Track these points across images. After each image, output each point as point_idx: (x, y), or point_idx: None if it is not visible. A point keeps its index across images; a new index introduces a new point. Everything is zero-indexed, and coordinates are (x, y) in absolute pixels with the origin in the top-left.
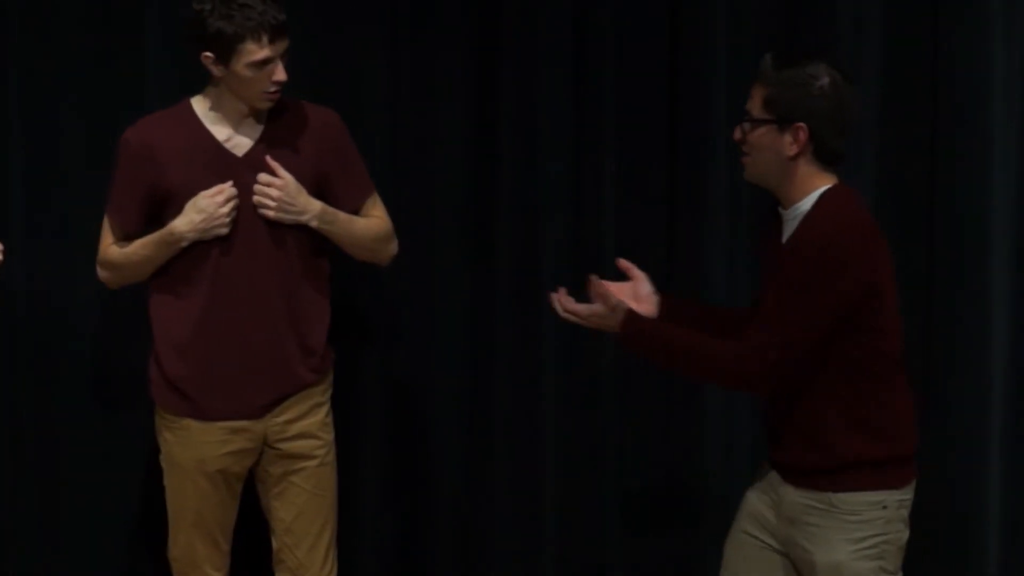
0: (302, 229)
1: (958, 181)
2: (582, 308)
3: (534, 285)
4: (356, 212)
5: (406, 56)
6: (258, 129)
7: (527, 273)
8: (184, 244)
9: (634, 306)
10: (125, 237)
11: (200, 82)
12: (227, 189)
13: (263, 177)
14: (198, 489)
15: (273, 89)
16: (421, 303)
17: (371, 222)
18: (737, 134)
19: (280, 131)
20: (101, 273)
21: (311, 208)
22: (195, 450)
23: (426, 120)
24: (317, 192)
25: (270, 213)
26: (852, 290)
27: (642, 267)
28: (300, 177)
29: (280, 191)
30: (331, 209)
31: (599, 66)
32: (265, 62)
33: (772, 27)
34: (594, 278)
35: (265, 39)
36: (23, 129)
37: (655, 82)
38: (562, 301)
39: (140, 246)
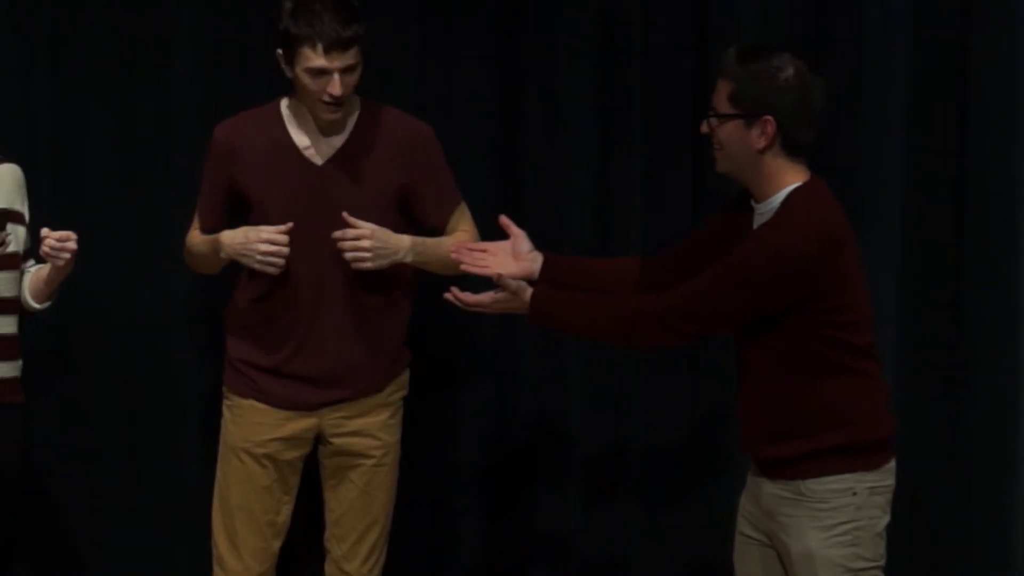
0: None
1: (987, 180)
2: (484, 297)
3: None
4: (443, 224)
5: (431, 56)
6: (341, 138)
7: None
8: (223, 256)
9: (512, 265)
10: (208, 230)
11: (225, 84)
12: (277, 236)
13: (350, 233)
14: (245, 468)
15: (328, 100)
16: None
17: (460, 237)
18: (704, 128)
19: (363, 141)
20: (185, 260)
21: (403, 245)
22: (246, 429)
23: (451, 119)
24: (400, 204)
25: (368, 265)
26: (788, 296)
27: None
28: (380, 189)
29: (370, 240)
30: (420, 239)
31: (626, 65)
32: (321, 72)
33: (800, 26)
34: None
35: (320, 48)
36: (51, 127)
37: (682, 80)
38: (460, 297)
39: (201, 241)
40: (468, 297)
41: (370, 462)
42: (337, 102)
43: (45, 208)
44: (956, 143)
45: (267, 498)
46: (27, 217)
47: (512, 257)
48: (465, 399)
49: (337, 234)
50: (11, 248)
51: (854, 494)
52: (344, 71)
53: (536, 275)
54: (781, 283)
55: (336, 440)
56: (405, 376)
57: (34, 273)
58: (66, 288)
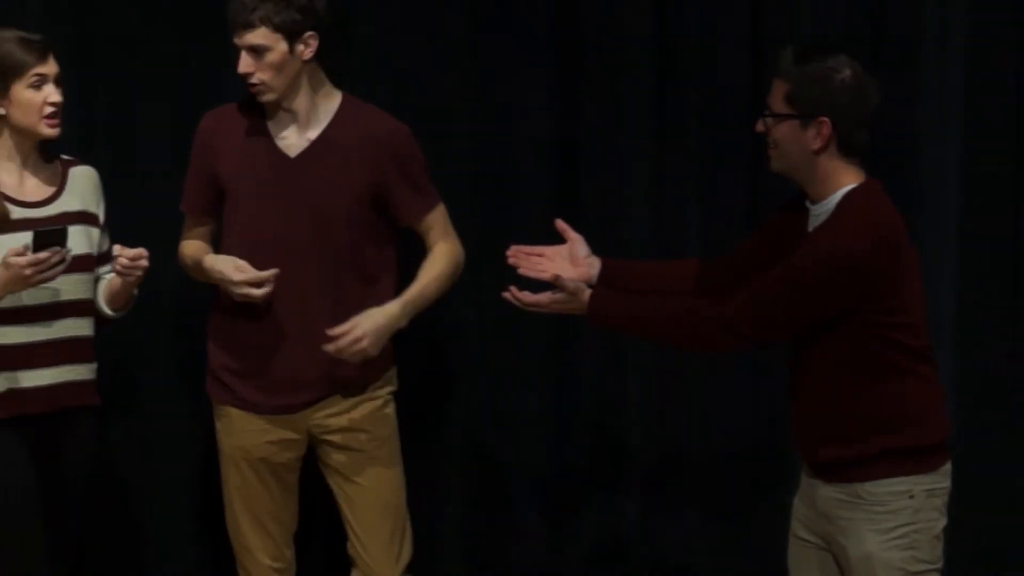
0: (350, 233)
1: None
2: (543, 297)
3: None
4: (416, 225)
5: (488, 57)
6: (316, 131)
7: None
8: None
9: (570, 269)
10: (194, 224)
11: None
12: (254, 275)
13: (343, 342)
14: (242, 476)
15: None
16: (503, 310)
17: (441, 267)
18: (760, 127)
19: (339, 137)
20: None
21: (394, 316)
22: (236, 438)
23: (508, 118)
24: (374, 202)
25: (375, 352)
26: (848, 297)
27: None
28: (351, 184)
29: (368, 339)
30: (407, 299)
31: (682, 71)
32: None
33: (856, 28)
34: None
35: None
36: (107, 125)
37: (738, 81)
38: (519, 296)
39: (190, 258)
40: (527, 297)
41: (362, 456)
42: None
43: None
44: (1014, 144)
45: (267, 501)
46: (102, 219)
47: (570, 262)
48: (523, 404)
49: (330, 348)
50: (83, 250)
51: (912, 497)
52: (250, 50)
53: (594, 280)
54: (839, 285)
55: (326, 438)
56: (392, 372)
57: (109, 281)
58: None
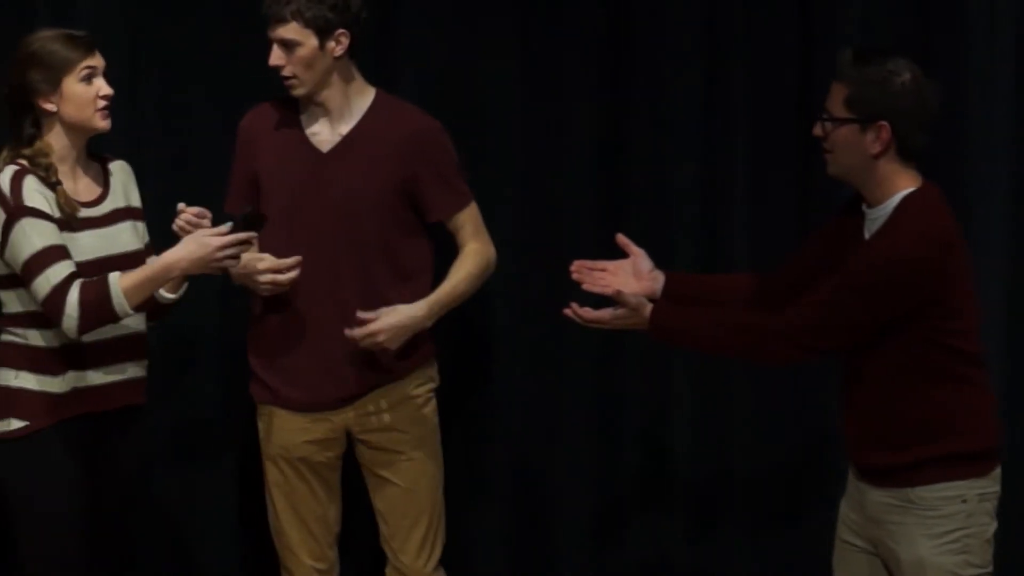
0: (381, 229)
1: None
2: (604, 314)
3: None
4: (447, 221)
5: (536, 55)
6: (348, 126)
7: None
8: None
9: (634, 284)
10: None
11: None
12: (276, 262)
13: (357, 333)
14: (284, 475)
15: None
16: (550, 304)
17: (470, 267)
18: (818, 131)
19: (370, 130)
20: None
21: (418, 320)
22: (277, 437)
23: (556, 118)
24: (407, 198)
25: (394, 346)
26: (909, 302)
27: (771, 266)
28: (383, 179)
29: (386, 333)
30: (434, 300)
31: (730, 66)
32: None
33: (903, 29)
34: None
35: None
36: (157, 123)
37: (786, 81)
38: (580, 313)
39: None
40: (588, 313)
41: (403, 457)
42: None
43: (149, 199)
44: None
45: (311, 501)
46: (142, 211)
47: (633, 276)
48: (567, 408)
49: (350, 333)
50: (135, 246)
51: (964, 501)
52: (281, 44)
53: (658, 294)
54: (901, 290)
55: (365, 436)
56: (433, 369)
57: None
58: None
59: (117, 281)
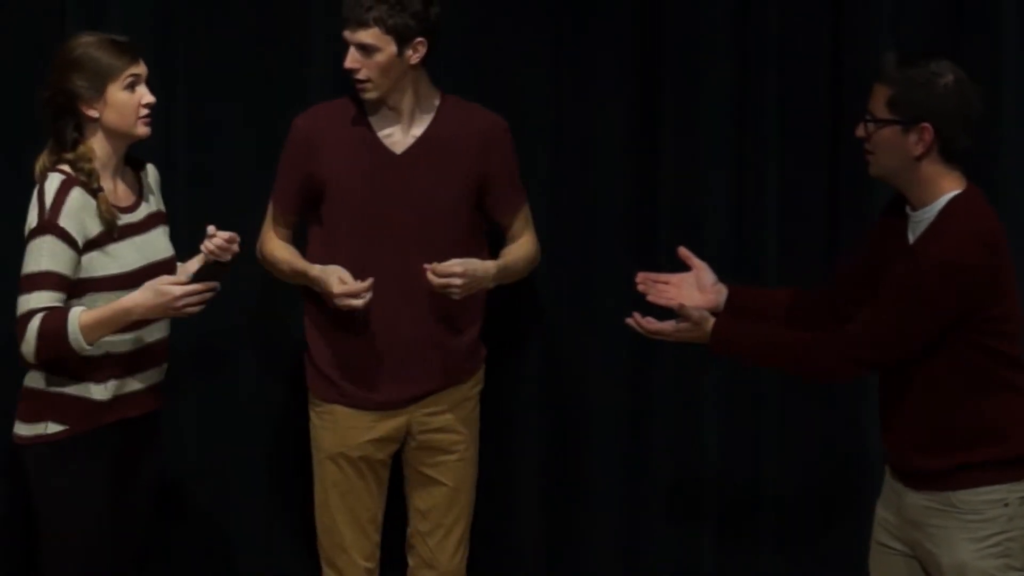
0: (455, 228)
1: None
2: (666, 326)
3: None
4: (508, 223)
5: (568, 59)
6: (421, 127)
7: None
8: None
9: (698, 297)
10: (284, 223)
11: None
12: (353, 287)
13: (440, 268)
14: (343, 473)
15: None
16: (582, 306)
17: (526, 251)
18: (860, 132)
19: (443, 131)
20: (257, 255)
21: (488, 276)
22: (339, 435)
23: (588, 122)
24: (477, 194)
25: (456, 296)
26: (963, 307)
27: (802, 272)
28: (460, 178)
29: (461, 278)
30: (501, 264)
31: (762, 68)
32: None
33: (936, 29)
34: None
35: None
36: (188, 128)
37: (817, 84)
38: (643, 324)
39: (285, 263)
40: (650, 324)
41: (454, 457)
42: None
43: (180, 208)
44: None
45: (367, 498)
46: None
47: (697, 289)
48: (598, 435)
49: (429, 266)
50: (169, 253)
51: (1006, 505)
52: (359, 47)
53: (721, 307)
54: (952, 296)
55: (422, 436)
56: (482, 371)
57: (182, 267)
58: None
59: (76, 318)
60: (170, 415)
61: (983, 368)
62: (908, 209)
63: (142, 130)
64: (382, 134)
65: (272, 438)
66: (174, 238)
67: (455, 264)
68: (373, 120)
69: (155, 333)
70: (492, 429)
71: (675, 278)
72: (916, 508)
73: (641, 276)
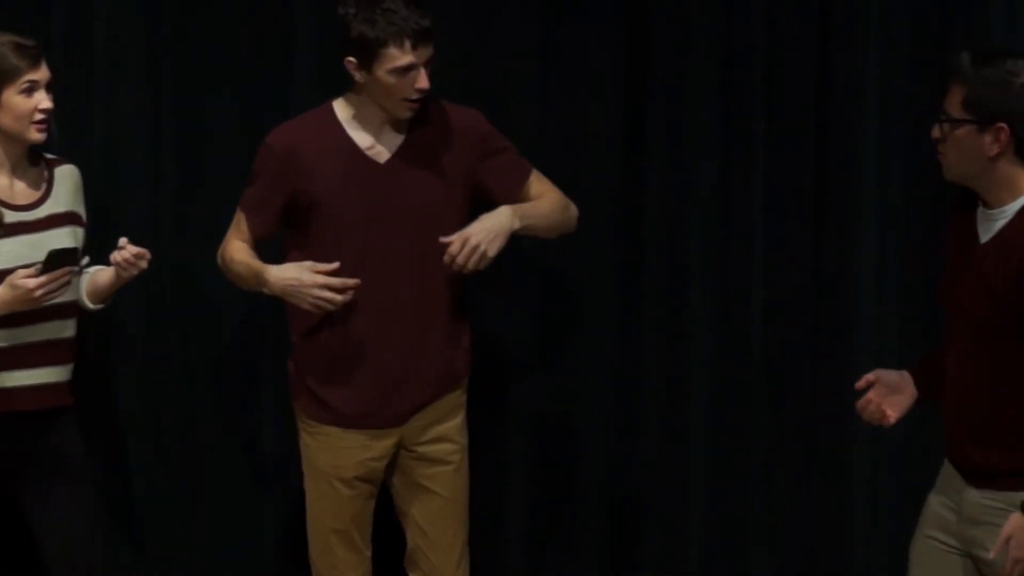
0: (446, 233)
1: None
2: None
3: (681, 288)
4: (523, 197)
5: (555, 56)
6: (400, 136)
7: (675, 276)
8: (266, 291)
9: (904, 400)
10: (255, 236)
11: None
12: (334, 281)
13: (453, 247)
14: (337, 493)
15: (415, 97)
16: (568, 306)
17: (550, 198)
18: (935, 133)
19: (423, 137)
20: (219, 261)
21: (503, 218)
22: (334, 455)
23: (574, 119)
24: (473, 190)
25: (491, 255)
26: None
27: (789, 272)
28: (448, 179)
29: (475, 238)
30: (516, 206)
31: (748, 66)
32: (407, 69)
33: (924, 28)
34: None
35: (408, 45)
36: (175, 129)
37: (804, 82)
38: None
39: (242, 263)
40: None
41: (449, 468)
42: (423, 95)
43: (168, 204)
44: None
45: (362, 516)
46: (85, 217)
47: (894, 395)
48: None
49: (449, 247)
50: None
51: None
52: (427, 63)
53: (917, 394)
54: None
55: (419, 448)
56: (467, 378)
57: (93, 275)
58: (190, 285)
59: None
60: (154, 424)
61: None
62: (981, 208)
63: (35, 136)
64: (364, 145)
65: (260, 449)
66: (160, 241)
67: (457, 235)
68: (352, 133)
69: (46, 333)
70: (477, 435)
71: (874, 396)
72: (977, 506)
73: (862, 402)
